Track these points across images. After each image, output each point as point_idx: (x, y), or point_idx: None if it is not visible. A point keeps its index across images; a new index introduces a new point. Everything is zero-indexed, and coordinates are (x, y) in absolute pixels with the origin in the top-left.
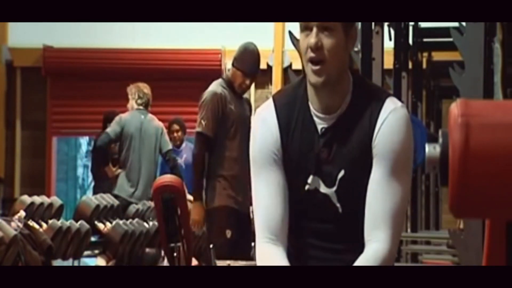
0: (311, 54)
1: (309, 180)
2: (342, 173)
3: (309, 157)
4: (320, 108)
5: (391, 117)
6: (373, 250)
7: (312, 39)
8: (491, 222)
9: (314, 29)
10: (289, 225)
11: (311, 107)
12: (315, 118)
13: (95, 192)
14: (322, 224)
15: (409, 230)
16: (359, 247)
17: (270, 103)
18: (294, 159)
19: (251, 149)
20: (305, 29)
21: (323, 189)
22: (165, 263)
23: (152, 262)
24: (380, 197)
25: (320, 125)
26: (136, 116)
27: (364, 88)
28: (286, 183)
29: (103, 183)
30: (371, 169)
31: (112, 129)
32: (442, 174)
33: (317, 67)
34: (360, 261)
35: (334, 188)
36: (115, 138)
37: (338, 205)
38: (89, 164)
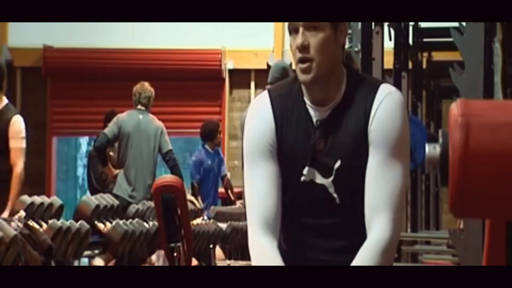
0: (299, 55)
1: (305, 171)
2: (338, 163)
3: (305, 148)
4: (315, 101)
5: (386, 101)
6: (375, 240)
7: (298, 39)
8: (491, 222)
9: (301, 29)
10: (285, 219)
11: (306, 100)
12: (310, 110)
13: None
14: (318, 218)
15: (409, 230)
16: (357, 241)
17: (265, 95)
18: (289, 150)
19: (245, 140)
20: (292, 32)
21: (319, 179)
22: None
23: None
24: (378, 183)
25: (315, 117)
26: (133, 116)
27: (358, 78)
28: (280, 175)
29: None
30: (368, 157)
31: (109, 129)
32: (442, 174)
33: (304, 66)
34: (362, 251)
35: (331, 178)
36: (112, 138)
37: (335, 195)
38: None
